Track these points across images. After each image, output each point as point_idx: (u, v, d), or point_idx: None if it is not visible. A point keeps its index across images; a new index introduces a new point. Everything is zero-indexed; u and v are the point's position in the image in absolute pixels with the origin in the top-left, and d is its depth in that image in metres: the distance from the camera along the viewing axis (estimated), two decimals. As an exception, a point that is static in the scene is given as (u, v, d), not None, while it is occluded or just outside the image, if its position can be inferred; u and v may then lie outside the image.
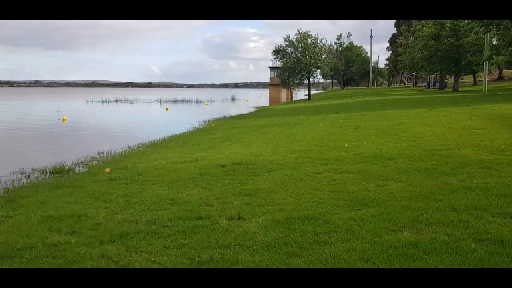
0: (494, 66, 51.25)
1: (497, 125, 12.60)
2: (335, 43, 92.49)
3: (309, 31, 52.80)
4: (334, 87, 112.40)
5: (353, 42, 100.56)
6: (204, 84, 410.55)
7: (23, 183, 9.57)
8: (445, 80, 57.30)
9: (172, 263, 4.05)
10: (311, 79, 55.72)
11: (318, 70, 54.98)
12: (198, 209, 5.88)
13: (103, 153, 13.40)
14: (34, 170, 10.84)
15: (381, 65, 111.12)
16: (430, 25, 47.31)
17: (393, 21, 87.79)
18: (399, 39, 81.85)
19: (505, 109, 18.20)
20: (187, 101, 62.93)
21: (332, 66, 57.88)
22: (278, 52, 53.56)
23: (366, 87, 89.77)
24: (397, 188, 6.19)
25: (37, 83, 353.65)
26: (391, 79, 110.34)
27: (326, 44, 56.08)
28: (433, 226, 4.50)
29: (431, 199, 5.49)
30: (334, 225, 4.76)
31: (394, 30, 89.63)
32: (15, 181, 9.64)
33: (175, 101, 62.62)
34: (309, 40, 51.69)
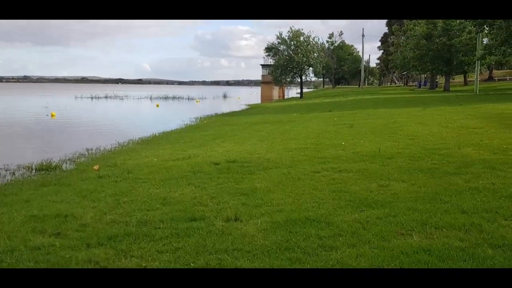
0: (485, 66, 51.42)
1: (494, 124, 12.43)
2: (327, 41, 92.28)
3: (302, 29, 52.54)
4: (326, 86, 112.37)
5: (345, 41, 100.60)
6: (195, 81, 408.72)
7: (8, 180, 9.17)
8: (436, 80, 57.39)
9: (165, 270, 3.73)
10: (303, 77, 55.48)
11: (311, 68, 54.76)
12: (192, 210, 5.55)
13: (91, 149, 12.99)
14: (19, 167, 10.43)
15: (372, 64, 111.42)
16: (422, 25, 47.26)
17: (385, 20, 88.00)
18: (390, 38, 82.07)
19: (499, 108, 18.10)
20: (178, 98, 62.35)
21: (324, 64, 57.65)
22: (270, 49, 53.22)
23: (357, 86, 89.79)
24: (400, 189, 5.93)
25: (26, 79, 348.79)
26: (382, 79, 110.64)
27: (319, 43, 55.88)
28: (444, 230, 4.22)
29: (438, 201, 5.23)
30: (338, 228, 4.46)
31: (385, 30, 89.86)
32: (-2, 178, 9.24)
33: (166, 98, 62.03)
34: (302, 38, 51.40)
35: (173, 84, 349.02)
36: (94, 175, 8.42)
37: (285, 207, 5.43)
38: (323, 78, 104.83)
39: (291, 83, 59.57)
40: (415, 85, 69.82)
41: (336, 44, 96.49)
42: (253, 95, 75.40)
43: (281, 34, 52.34)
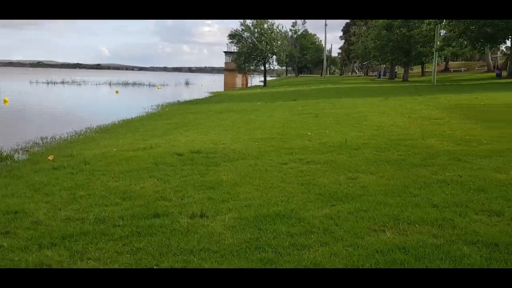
0: (442, 58, 52.94)
1: (454, 115, 12.67)
2: (290, 30, 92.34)
3: (265, 18, 52.16)
4: (289, 75, 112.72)
5: (308, 30, 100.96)
6: (156, 68, 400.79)
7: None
8: (395, 71, 58.62)
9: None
10: (266, 66, 55.27)
11: (274, 57, 54.59)
12: (154, 205, 5.24)
13: (46, 138, 12.28)
14: (-35, 157, 9.68)
15: (334, 54, 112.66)
16: (383, 15, 47.94)
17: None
18: (352, 28, 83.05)
19: (457, 99, 18.55)
20: (139, 84, 60.66)
21: (288, 53, 57.63)
22: (234, 36, 52.57)
23: (319, 75, 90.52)
24: (369, 181, 5.83)
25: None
26: (343, 68, 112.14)
27: (282, 30, 55.70)
28: (417, 225, 4.13)
29: (407, 194, 5.16)
30: (309, 224, 4.29)
31: (347, 20, 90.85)
32: None
33: (125, 84, 60.24)
34: (266, 26, 51.08)
35: (133, 70, 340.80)
36: (48, 166, 7.90)
37: (253, 201, 5.21)
38: (286, 67, 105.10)
39: (255, 71, 59.28)
40: (375, 75, 71.19)
41: (299, 33, 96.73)
42: (216, 83, 74.57)
43: (244, 21, 51.79)
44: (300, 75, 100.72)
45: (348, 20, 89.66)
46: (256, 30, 51.31)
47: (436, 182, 5.60)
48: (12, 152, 10.14)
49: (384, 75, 66.50)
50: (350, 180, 5.93)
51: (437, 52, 37.99)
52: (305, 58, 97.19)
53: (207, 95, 39.36)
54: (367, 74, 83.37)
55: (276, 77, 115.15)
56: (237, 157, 7.94)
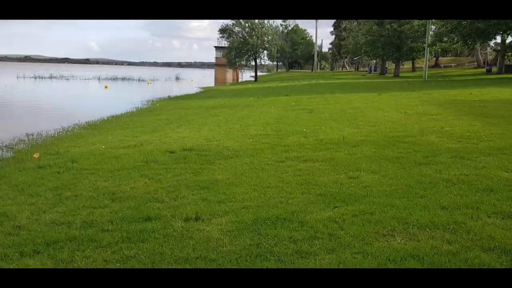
0: (432, 53, 53.00)
1: (451, 110, 12.49)
2: (281, 25, 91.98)
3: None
4: (279, 70, 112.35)
5: (299, 25, 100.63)
6: (146, 62, 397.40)
7: None
8: (386, 66, 58.59)
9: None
10: (257, 61, 54.91)
11: (265, 52, 54.22)
12: (146, 207, 4.93)
13: (32, 135, 11.85)
14: None
15: (325, 49, 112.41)
16: (375, 11, 47.75)
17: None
18: (342, 23, 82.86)
19: (451, 94, 18.44)
20: (128, 79, 59.77)
21: (279, 47, 57.28)
22: (224, 31, 52.11)
23: (310, 71, 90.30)
24: (371, 181, 5.57)
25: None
26: (334, 63, 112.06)
27: (273, 25, 55.37)
28: (427, 229, 3.87)
29: (413, 195, 4.90)
30: (312, 228, 4.01)
31: (343, 19, 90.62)
32: None
33: (115, 79, 59.36)
34: (256, 21, 50.65)
35: (122, 64, 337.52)
36: (33, 165, 7.52)
37: (250, 202, 4.92)
38: (277, 62, 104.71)
39: (245, 66, 58.90)
40: (366, 71, 71.29)
41: (290, 28, 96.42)
42: (207, 78, 73.98)
43: (235, 16, 51.28)
44: (290, 70, 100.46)
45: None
46: (247, 25, 50.89)
47: (441, 182, 5.35)
48: (-5, 149, 9.74)
49: (375, 70, 66.55)
50: (351, 180, 5.67)
51: (428, 48, 37.92)
52: (296, 53, 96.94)
53: (198, 90, 38.91)
54: (358, 70, 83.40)
55: (267, 72, 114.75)
56: (232, 154, 7.65)
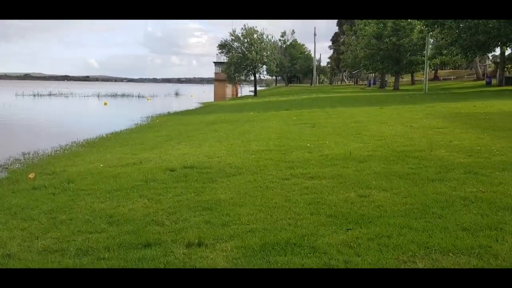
0: (432, 67, 53.02)
1: (457, 123, 12.22)
2: (280, 40, 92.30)
3: (256, 26, 51.94)
4: (278, 84, 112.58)
5: (297, 40, 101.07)
6: (146, 79, 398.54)
7: None
8: (385, 79, 58.57)
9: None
10: (257, 75, 54.93)
11: (264, 66, 54.25)
12: (145, 231, 4.62)
13: (28, 153, 11.56)
14: None
15: (323, 63, 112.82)
16: (372, 25, 47.94)
17: (335, 20, 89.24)
18: (341, 37, 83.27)
19: (455, 107, 18.20)
20: (128, 95, 59.73)
21: (278, 62, 57.38)
22: (224, 46, 52.22)
23: (309, 85, 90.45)
24: (384, 199, 5.27)
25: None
26: (332, 77, 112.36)
27: (272, 40, 55.51)
28: (451, 254, 3.57)
29: (430, 215, 4.60)
30: (325, 254, 3.70)
31: (336, 29, 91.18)
32: None
33: (114, 96, 59.29)
34: (255, 36, 50.81)
35: (122, 81, 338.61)
36: (28, 186, 7.23)
37: (257, 225, 4.61)
38: (276, 77, 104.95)
39: (245, 81, 58.92)
40: (366, 84, 71.25)
41: (288, 43, 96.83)
42: (206, 93, 74.01)
43: (234, 31, 51.52)
44: (289, 84, 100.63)
45: (337, 30, 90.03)
46: (246, 40, 51.01)
47: (458, 200, 5.05)
48: (-10, 169, 9.45)
49: (374, 83, 66.57)
50: (362, 198, 5.37)
51: (428, 61, 37.87)
52: (295, 67, 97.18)
53: (197, 105, 38.76)
54: (357, 83, 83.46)
55: (266, 86, 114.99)
56: (234, 172, 7.35)
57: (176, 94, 68.17)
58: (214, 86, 70.19)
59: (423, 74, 40.25)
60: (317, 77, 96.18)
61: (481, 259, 3.45)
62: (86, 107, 41.30)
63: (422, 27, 38.22)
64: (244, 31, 50.90)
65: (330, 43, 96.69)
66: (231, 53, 51.99)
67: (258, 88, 59.74)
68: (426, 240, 3.88)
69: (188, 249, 4.04)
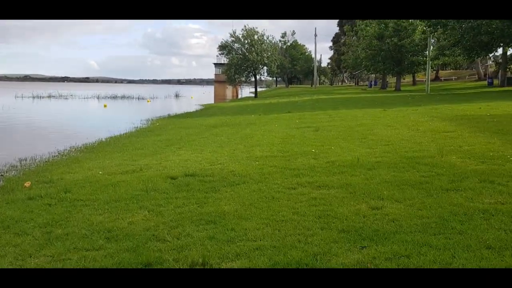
0: (434, 68, 52.75)
1: (464, 127, 11.94)
2: (280, 41, 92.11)
3: (256, 27, 51.71)
4: (278, 85, 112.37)
5: (297, 41, 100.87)
6: (146, 80, 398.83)
7: None
8: (386, 80, 58.28)
9: None
10: (257, 77, 54.65)
11: (265, 67, 53.96)
12: (145, 248, 4.33)
13: (25, 159, 11.27)
14: None
15: (324, 64, 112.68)
16: (374, 25, 47.67)
17: (336, 20, 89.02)
18: (342, 38, 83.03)
19: (460, 109, 17.92)
20: (128, 97, 59.48)
21: (279, 63, 57.10)
22: (224, 47, 51.93)
23: (309, 86, 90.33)
24: (397, 212, 4.98)
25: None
26: (333, 78, 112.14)
27: (273, 41, 55.22)
28: (478, 278, 3.27)
29: (449, 230, 4.31)
30: (341, 277, 3.40)
31: (336, 30, 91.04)
32: None
33: (114, 97, 59.06)
34: (256, 37, 50.53)
35: (122, 82, 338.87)
36: (23, 195, 6.94)
37: (264, 242, 4.32)
38: (276, 78, 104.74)
39: (245, 82, 58.65)
40: (367, 85, 70.97)
41: (288, 44, 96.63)
42: (206, 95, 73.78)
43: (234, 32, 51.26)
44: (290, 85, 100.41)
45: (337, 30, 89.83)
46: (246, 41, 50.74)
47: (477, 213, 4.76)
48: (-15, 177, 9.16)
49: (375, 84, 66.29)
50: (374, 211, 5.08)
51: (430, 62, 37.60)
52: (295, 68, 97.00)
53: (198, 107, 38.47)
54: (358, 84, 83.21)
55: (266, 87, 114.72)
56: (238, 180, 7.07)
57: (176, 95, 67.90)
58: (214, 88, 70.02)
59: (424, 75, 39.98)
60: (318, 78, 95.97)
61: (513, 284, 3.16)
62: (86, 109, 41.01)
63: (424, 28, 37.96)
64: (245, 32, 50.63)
65: (331, 44, 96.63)
66: (231, 54, 51.71)
67: (258, 89, 59.46)
68: (449, 260, 3.59)
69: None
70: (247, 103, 38.64)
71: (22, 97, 55.04)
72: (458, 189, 5.75)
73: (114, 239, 4.67)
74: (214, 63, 68.99)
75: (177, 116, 27.00)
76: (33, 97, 55.49)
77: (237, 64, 50.69)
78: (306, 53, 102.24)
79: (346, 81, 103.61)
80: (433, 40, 40.50)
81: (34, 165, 10.49)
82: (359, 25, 53.17)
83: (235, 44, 51.17)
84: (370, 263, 3.64)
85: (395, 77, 51.55)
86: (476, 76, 53.75)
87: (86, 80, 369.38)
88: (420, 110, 18.51)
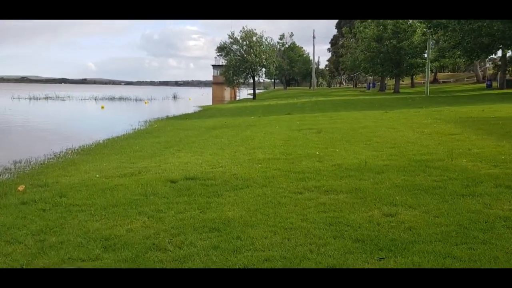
0: (433, 70, 52.59)
1: (470, 129, 11.68)
2: (278, 42, 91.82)
3: (255, 29, 51.44)
4: (276, 87, 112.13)
5: (295, 43, 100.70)
6: (143, 82, 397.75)
7: None
8: (385, 82, 58.11)
9: None
10: (255, 78, 54.34)
11: (263, 69, 53.67)
12: (145, 259, 4.04)
13: (20, 162, 10.93)
14: None
15: (322, 66, 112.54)
16: (372, 27, 47.49)
17: (334, 22, 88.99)
18: (340, 40, 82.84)
19: (463, 111, 17.69)
20: (125, 99, 59.00)
21: (277, 65, 56.83)
22: (222, 49, 51.59)
23: (308, 88, 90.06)
24: (413, 219, 4.69)
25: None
26: (331, 80, 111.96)
27: (271, 43, 54.96)
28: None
29: (471, 239, 4.03)
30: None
31: (334, 32, 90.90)
32: None
33: (112, 99, 58.62)
34: (254, 38, 50.24)
35: (120, 84, 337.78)
36: (16, 200, 6.61)
37: (273, 252, 4.03)
38: (274, 79, 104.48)
39: (243, 84, 58.33)
40: (365, 87, 70.76)
41: (286, 45, 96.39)
42: (204, 96, 73.44)
43: (233, 34, 50.96)
44: (288, 87, 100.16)
45: (336, 32, 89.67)
46: (244, 43, 50.45)
47: (498, 220, 4.49)
48: (-22, 180, 8.82)
49: (374, 86, 66.10)
50: (389, 218, 4.79)
51: (430, 64, 37.40)
52: (293, 70, 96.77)
53: (196, 109, 38.14)
54: (356, 86, 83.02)
55: (264, 89, 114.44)
56: (241, 184, 6.77)
57: (174, 97, 67.50)
58: (212, 89, 69.62)
59: (422, 77, 39.79)
60: (316, 80, 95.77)
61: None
62: (83, 111, 40.61)
63: (425, 29, 37.77)
64: (243, 33, 50.34)
65: (329, 46, 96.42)
66: (229, 56, 51.38)
67: (256, 91, 59.13)
68: (477, 274, 3.30)
69: (196, 283, 3.45)
70: (246, 104, 38.36)
71: (19, 98, 54.52)
72: (474, 195, 5.47)
73: (112, 248, 4.37)
74: (212, 65, 68.62)
75: (176, 118, 26.68)
76: (30, 99, 55.01)
77: (236, 65, 50.37)
78: (304, 55, 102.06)
79: (344, 83, 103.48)
80: (433, 42, 40.33)
81: (29, 168, 10.15)
82: (357, 27, 52.98)
83: (234, 46, 50.86)
84: (391, 277, 3.35)
85: (393, 79, 51.35)
86: (475, 78, 53.65)
87: (83, 81, 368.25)
88: (422, 112, 18.28)
